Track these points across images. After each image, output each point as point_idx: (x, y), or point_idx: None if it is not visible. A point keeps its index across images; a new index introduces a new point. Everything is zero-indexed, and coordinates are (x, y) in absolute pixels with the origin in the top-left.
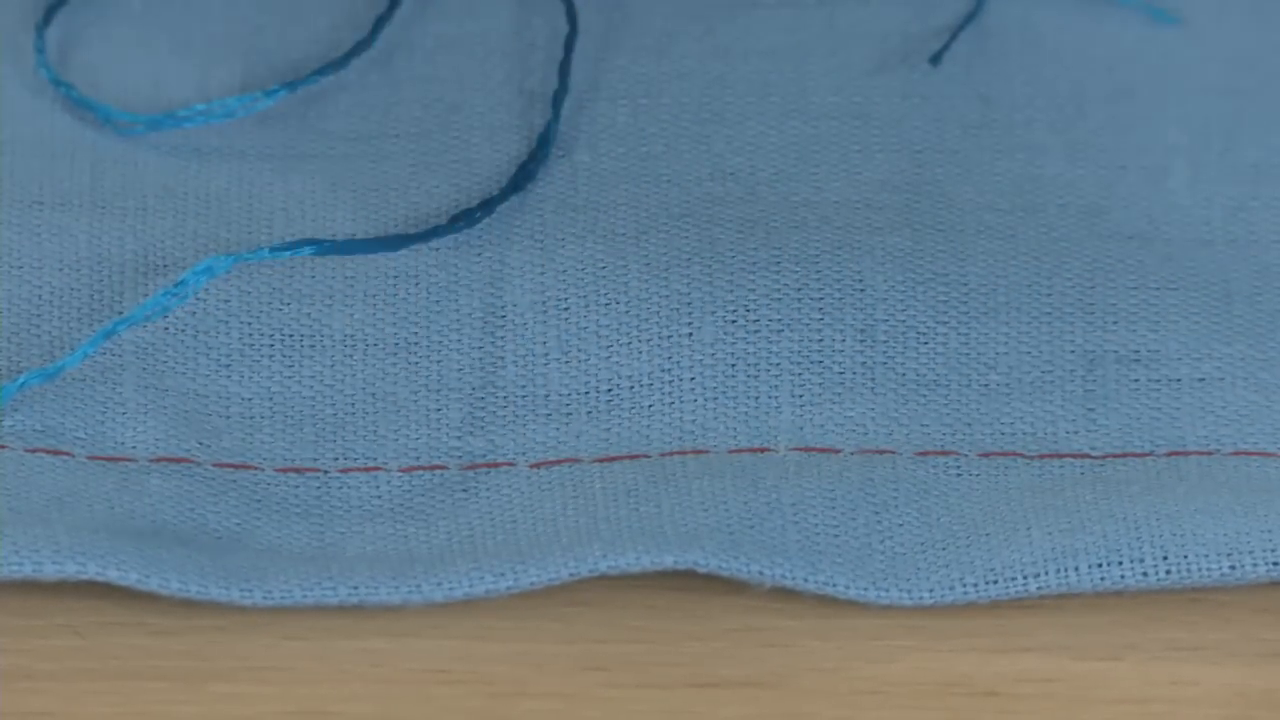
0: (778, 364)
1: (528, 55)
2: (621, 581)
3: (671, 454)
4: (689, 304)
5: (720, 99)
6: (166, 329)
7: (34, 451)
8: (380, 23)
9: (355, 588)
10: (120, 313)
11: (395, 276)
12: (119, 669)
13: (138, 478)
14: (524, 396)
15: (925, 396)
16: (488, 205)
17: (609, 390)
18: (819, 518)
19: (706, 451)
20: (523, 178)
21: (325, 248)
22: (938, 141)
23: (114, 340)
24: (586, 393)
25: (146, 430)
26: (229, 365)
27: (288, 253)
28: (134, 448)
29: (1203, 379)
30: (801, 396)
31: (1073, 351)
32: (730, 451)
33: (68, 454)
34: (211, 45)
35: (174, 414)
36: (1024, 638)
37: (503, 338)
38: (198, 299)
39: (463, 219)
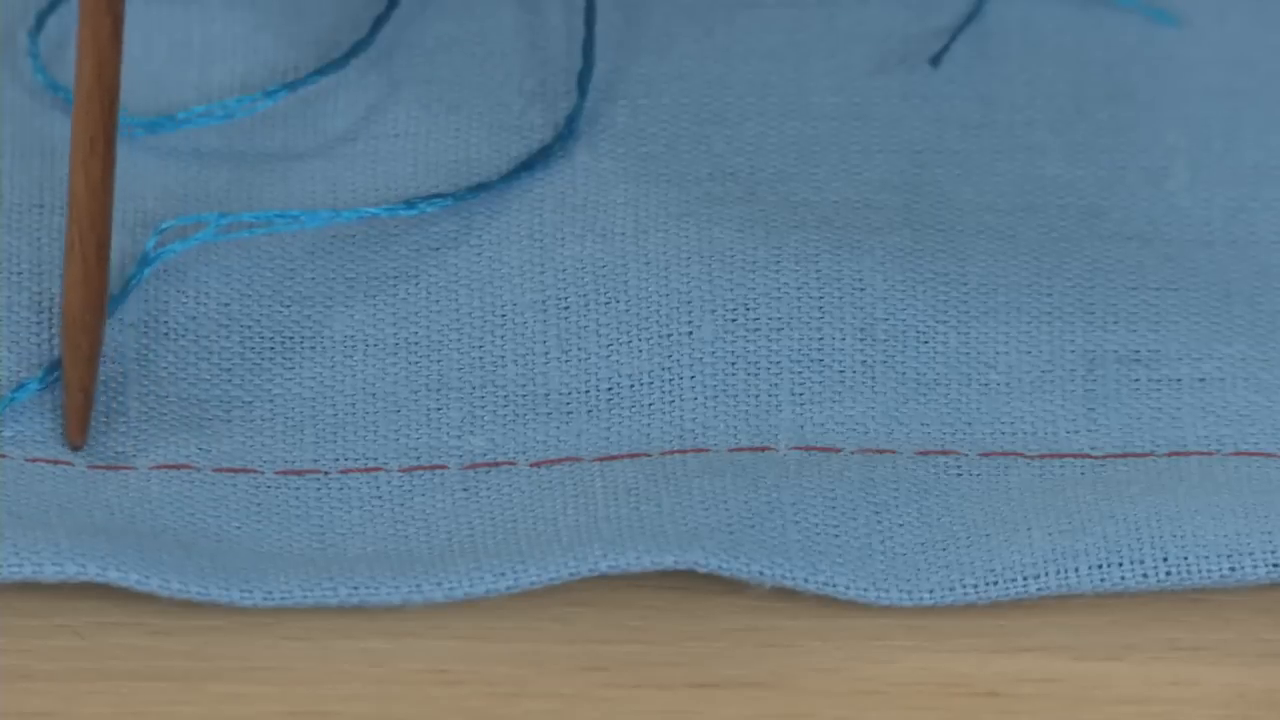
0: (778, 363)
1: (528, 55)
2: (621, 581)
3: (672, 453)
4: (689, 302)
5: (720, 99)
6: (167, 335)
7: (34, 461)
8: (380, 23)
9: (355, 588)
10: (121, 316)
11: (395, 277)
12: (119, 669)
13: (138, 485)
14: (524, 395)
15: (925, 396)
16: (508, 176)
17: (609, 389)
18: (819, 517)
19: (707, 450)
20: (556, 146)
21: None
22: (937, 142)
23: (115, 349)
24: (586, 391)
25: (147, 439)
26: (229, 369)
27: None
28: (134, 457)
29: (1203, 379)
30: (801, 395)
31: (1073, 351)
32: (730, 450)
33: (68, 464)
34: (211, 45)
35: (174, 421)
36: (1024, 638)
37: (502, 337)
38: (198, 303)
39: (478, 188)
